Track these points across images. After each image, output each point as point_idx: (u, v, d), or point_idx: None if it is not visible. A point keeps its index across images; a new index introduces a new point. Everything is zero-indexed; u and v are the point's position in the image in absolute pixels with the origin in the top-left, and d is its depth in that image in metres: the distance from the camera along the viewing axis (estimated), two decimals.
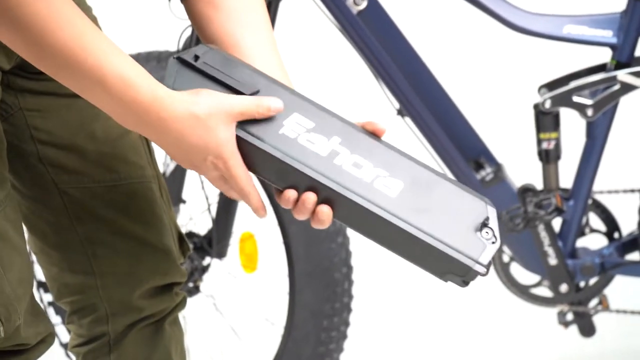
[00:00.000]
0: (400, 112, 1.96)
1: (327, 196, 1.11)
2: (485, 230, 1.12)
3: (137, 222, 1.34)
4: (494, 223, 1.12)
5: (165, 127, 1.13)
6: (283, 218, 1.92)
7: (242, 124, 1.13)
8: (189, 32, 1.89)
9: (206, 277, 2.11)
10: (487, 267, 1.10)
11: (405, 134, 2.00)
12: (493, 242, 1.11)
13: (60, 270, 1.37)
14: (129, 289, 1.36)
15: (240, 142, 1.13)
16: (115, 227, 1.33)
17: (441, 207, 1.10)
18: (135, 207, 1.34)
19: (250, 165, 1.15)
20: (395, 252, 1.13)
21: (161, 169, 1.97)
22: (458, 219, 1.11)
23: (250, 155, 1.13)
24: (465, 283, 1.10)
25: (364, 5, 1.89)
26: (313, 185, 1.11)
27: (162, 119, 1.13)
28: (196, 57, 1.16)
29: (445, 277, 1.11)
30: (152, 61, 2.00)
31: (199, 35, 1.27)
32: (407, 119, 1.96)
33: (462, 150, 1.97)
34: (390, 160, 1.13)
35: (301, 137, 1.12)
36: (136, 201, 1.34)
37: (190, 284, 2.08)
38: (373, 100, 2.16)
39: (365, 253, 2.46)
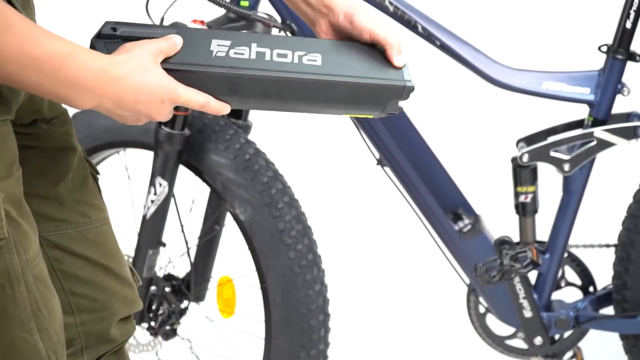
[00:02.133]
0: (380, 162, 1.98)
1: (275, 88, 1.29)
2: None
3: (107, 258, 1.41)
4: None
5: (112, 91, 1.20)
6: (261, 263, 1.93)
7: (170, 61, 1.26)
8: None
9: (183, 320, 2.11)
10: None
11: (385, 183, 2.02)
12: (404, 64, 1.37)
13: None
14: (106, 323, 1.41)
15: (178, 74, 1.26)
16: (90, 264, 1.39)
17: (357, 57, 1.33)
18: (104, 244, 1.41)
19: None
20: (341, 110, 1.34)
21: (141, 213, 1.98)
22: (374, 60, 1.34)
23: (191, 82, 1.27)
24: (407, 95, 1.34)
25: None
26: (261, 83, 1.28)
27: (113, 85, 1.19)
28: (114, 29, 1.27)
29: (385, 108, 1.34)
30: None
31: None
32: (387, 169, 1.98)
33: (441, 201, 1.99)
34: (302, 44, 1.33)
35: (230, 52, 1.29)
36: (104, 239, 1.41)
37: (167, 327, 2.08)
38: (354, 150, 2.19)
39: (342, 301, 2.47)
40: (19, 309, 1.22)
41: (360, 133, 1.96)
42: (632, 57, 1.90)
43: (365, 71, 1.32)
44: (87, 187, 1.40)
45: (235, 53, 1.29)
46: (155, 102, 1.23)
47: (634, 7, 1.87)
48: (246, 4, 1.89)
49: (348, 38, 1.37)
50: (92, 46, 1.24)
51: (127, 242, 2.16)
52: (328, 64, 1.31)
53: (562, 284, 2.08)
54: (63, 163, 1.37)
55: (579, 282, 2.08)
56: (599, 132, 1.90)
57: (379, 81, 1.32)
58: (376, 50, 1.35)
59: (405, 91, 1.33)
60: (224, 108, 1.29)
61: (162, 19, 1.89)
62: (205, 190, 2.04)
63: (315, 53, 1.32)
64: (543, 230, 2.01)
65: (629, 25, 1.88)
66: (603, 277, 2.09)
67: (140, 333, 2.10)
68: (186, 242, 2.04)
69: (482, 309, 2.07)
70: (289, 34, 1.90)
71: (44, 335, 1.24)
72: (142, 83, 1.21)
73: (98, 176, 1.44)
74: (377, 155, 1.97)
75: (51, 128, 1.35)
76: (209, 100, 1.28)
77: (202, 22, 1.86)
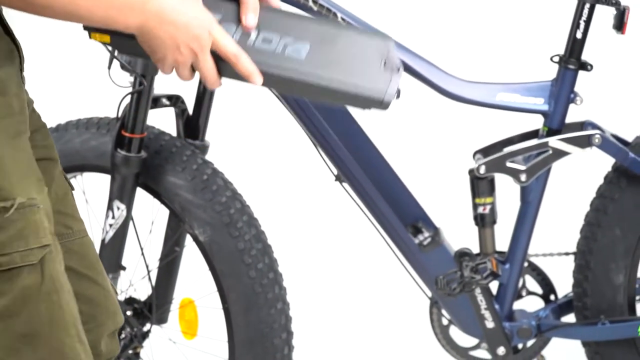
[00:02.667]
0: (338, 178, 1.98)
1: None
2: (388, 62, 1.30)
3: (91, 269, 1.44)
4: (393, 54, 1.30)
5: (154, 7, 1.25)
6: (222, 284, 1.92)
7: None
8: (128, 99, 1.90)
9: (146, 343, 2.10)
10: (398, 93, 1.30)
11: (344, 199, 2.02)
12: (398, 70, 1.30)
13: None
14: (93, 335, 1.43)
15: None
16: (76, 275, 1.41)
17: (347, 54, 1.28)
18: (87, 256, 1.44)
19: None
20: (320, 100, 1.33)
21: (100, 237, 1.97)
22: (364, 60, 1.29)
23: None
24: (385, 107, 1.29)
25: None
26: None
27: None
28: None
29: (366, 108, 1.29)
30: (92, 128, 2.01)
31: None
32: (346, 185, 1.98)
33: (400, 215, 2.00)
34: (294, 25, 1.28)
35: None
36: (87, 251, 1.45)
37: (130, 351, 2.07)
38: (312, 167, 2.19)
39: (305, 318, 2.46)
40: (64, 315, 1.28)
41: (318, 149, 1.96)
42: (583, 66, 1.92)
43: (348, 75, 1.27)
44: (68, 199, 1.43)
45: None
46: (192, 29, 1.25)
47: (584, 17, 1.89)
48: None
49: None
50: None
51: None
52: (311, 61, 1.26)
53: (523, 293, 2.09)
54: (47, 174, 1.38)
55: (540, 291, 2.09)
56: (554, 141, 1.92)
57: (358, 90, 1.27)
58: (372, 45, 1.29)
59: (383, 104, 1.28)
60: (255, 76, 1.29)
61: None
62: (164, 212, 2.03)
63: (304, 42, 1.27)
64: (503, 240, 2.02)
65: (579, 35, 1.90)
66: (564, 285, 2.11)
67: None
68: (146, 265, 2.03)
69: (445, 321, 2.07)
70: None
71: (82, 340, 1.31)
72: (182, 4, 1.25)
73: (73, 191, 1.47)
74: (335, 172, 1.98)
75: (34, 140, 1.36)
76: (242, 53, 1.28)
77: None
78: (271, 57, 1.26)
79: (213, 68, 1.30)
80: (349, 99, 1.28)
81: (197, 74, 1.32)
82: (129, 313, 2.06)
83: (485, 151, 1.99)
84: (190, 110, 2.06)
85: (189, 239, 2.06)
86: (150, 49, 1.29)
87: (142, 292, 2.11)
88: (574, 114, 1.96)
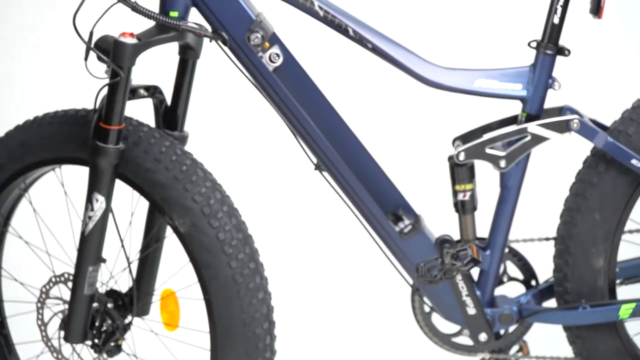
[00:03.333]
0: (318, 167, 1.98)
1: None
2: None
3: None
4: None
5: None
6: (203, 275, 1.92)
7: None
8: (105, 91, 1.89)
9: (128, 335, 2.09)
10: None
11: (324, 188, 2.02)
12: None
13: None
14: None
15: None
16: None
17: None
18: None
19: None
20: None
21: (80, 229, 1.96)
22: None
23: None
24: None
25: (280, 62, 1.92)
26: None
27: None
28: None
29: None
30: (69, 120, 2.00)
31: None
32: (325, 174, 1.98)
33: (381, 203, 2.00)
34: None
35: None
36: None
37: (112, 343, 2.06)
38: (291, 156, 2.19)
39: (287, 308, 2.46)
40: None
41: (297, 138, 1.96)
42: (561, 51, 1.92)
43: None
44: None
45: None
46: None
47: (561, 2, 1.89)
48: (175, 14, 1.88)
49: None
50: None
51: (67, 259, 2.14)
52: None
53: (505, 279, 2.10)
54: None
55: (521, 276, 2.10)
56: (533, 127, 1.92)
57: None
58: None
59: None
60: None
61: (92, 33, 1.87)
62: (144, 203, 2.02)
63: None
64: (483, 227, 2.02)
65: (556, 20, 1.91)
66: (544, 271, 2.11)
67: (85, 351, 2.08)
68: (127, 257, 2.03)
69: (427, 308, 2.07)
70: (220, 43, 1.90)
71: None
72: None
73: None
74: (315, 161, 1.98)
75: None
76: None
77: (131, 35, 1.85)
78: None
79: None
80: None
81: None
82: (110, 305, 2.05)
83: (465, 138, 1.99)
84: (169, 101, 2.05)
85: (169, 230, 2.05)
86: None
87: (123, 284, 2.11)
88: (552, 99, 1.96)
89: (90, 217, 1.93)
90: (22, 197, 2.17)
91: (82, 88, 2.25)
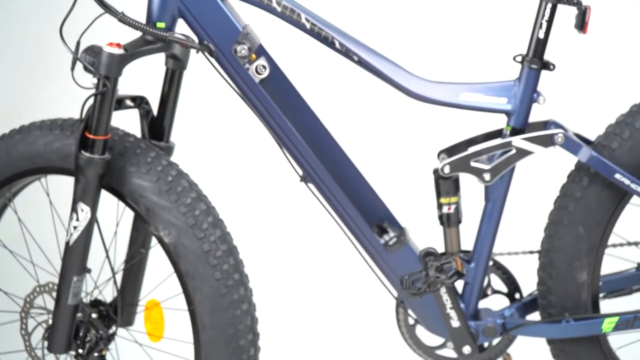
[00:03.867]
0: (303, 179, 1.98)
1: None
2: None
3: None
4: None
5: None
6: (187, 285, 1.92)
7: None
8: (91, 101, 1.89)
9: (112, 346, 2.09)
10: None
11: (310, 200, 2.02)
12: None
13: None
14: None
15: None
16: None
17: None
18: None
19: None
20: None
21: (65, 238, 1.96)
22: None
23: None
24: None
25: (266, 73, 1.93)
26: None
27: None
28: None
29: None
30: (55, 129, 2.00)
31: None
32: (311, 185, 1.98)
33: (366, 216, 2.00)
34: None
35: None
36: None
37: (96, 354, 2.06)
38: (276, 167, 2.19)
39: (272, 319, 2.46)
40: None
41: (282, 150, 1.96)
42: (546, 66, 1.93)
43: None
44: None
45: None
46: None
47: (546, 17, 1.91)
48: (162, 25, 1.88)
49: None
50: None
51: (51, 269, 2.14)
52: None
53: (489, 292, 2.10)
54: None
55: (505, 289, 2.11)
56: (517, 141, 1.93)
57: None
58: None
59: None
60: None
61: (78, 43, 1.87)
62: (129, 214, 2.02)
63: None
64: (467, 239, 2.03)
65: (541, 35, 1.92)
66: (528, 284, 2.12)
67: None
68: (112, 267, 2.03)
69: (411, 321, 2.08)
70: (206, 54, 1.90)
71: None
72: None
73: None
74: (300, 172, 1.98)
75: None
76: None
77: (118, 45, 1.85)
78: None
79: None
80: None
81: None
82: (94, 316, 2.05)
83: (450, 151, 2.00)
84: (155, 112, 2.05)
85: (154, 241, 2.05)
86: None
87: (108, 294, 2.10)
88: (537, 114, 1.97)
89: (75, 227, 1.93)
90: (7, 207, 2.17)
91: (68, 98, 2.25)
